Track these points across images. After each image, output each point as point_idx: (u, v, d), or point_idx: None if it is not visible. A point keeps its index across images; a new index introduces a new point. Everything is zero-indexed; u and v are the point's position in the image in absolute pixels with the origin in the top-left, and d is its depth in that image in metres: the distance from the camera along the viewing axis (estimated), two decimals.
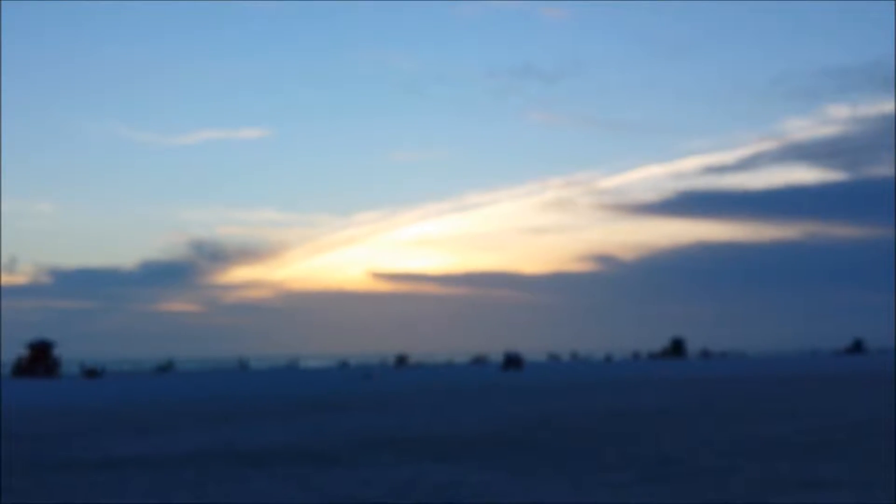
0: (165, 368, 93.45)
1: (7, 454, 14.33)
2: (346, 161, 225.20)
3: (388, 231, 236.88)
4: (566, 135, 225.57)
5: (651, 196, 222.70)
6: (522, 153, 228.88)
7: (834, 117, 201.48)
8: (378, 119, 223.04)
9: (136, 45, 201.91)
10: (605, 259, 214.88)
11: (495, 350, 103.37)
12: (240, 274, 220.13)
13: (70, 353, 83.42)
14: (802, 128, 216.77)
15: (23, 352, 73.73)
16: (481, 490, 9.78)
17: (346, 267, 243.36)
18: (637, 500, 8.95)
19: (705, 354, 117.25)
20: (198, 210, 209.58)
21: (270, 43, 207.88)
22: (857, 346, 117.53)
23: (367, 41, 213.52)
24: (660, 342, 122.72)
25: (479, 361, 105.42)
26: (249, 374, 79.99)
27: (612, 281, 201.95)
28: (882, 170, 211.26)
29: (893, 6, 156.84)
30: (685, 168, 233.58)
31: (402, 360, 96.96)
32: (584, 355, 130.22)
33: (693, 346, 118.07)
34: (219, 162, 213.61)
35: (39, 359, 72.46)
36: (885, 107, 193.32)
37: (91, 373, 72.12)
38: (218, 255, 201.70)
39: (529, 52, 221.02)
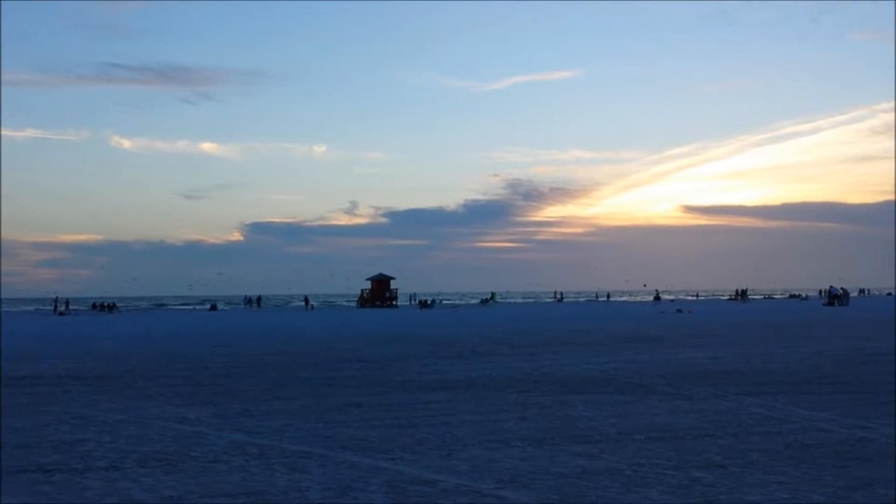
0: (487, 300, 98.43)
1: (359, 374, 16.28)
2: (656, 96, 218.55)
3: (700, 165, 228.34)
4: (894, 54, 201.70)
5: None
6: (844, 77, 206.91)
7: None
8: (687, 50, 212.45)
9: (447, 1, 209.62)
10: None
11: (818, 284, 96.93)
12: (553, 211, 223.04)
13: (404, 286, 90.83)
14: None
15: (366, 285, 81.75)
16: (805, 426, 9.60)
17: (657, 202, 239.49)
18: None
19: None
20: (512, 152, 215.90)
21: None
22: None
23: None
24: None
25: (799, 296, 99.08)
26: (564, 306, 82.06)
27: None
28: None
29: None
30: None
31: (741, 294, 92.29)
32: None
33: None
34: (530, 105, 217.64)
35: (380, 291, 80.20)
36: None
37: (423, 304, 78.33)
38: (532, 194, 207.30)
39: None
